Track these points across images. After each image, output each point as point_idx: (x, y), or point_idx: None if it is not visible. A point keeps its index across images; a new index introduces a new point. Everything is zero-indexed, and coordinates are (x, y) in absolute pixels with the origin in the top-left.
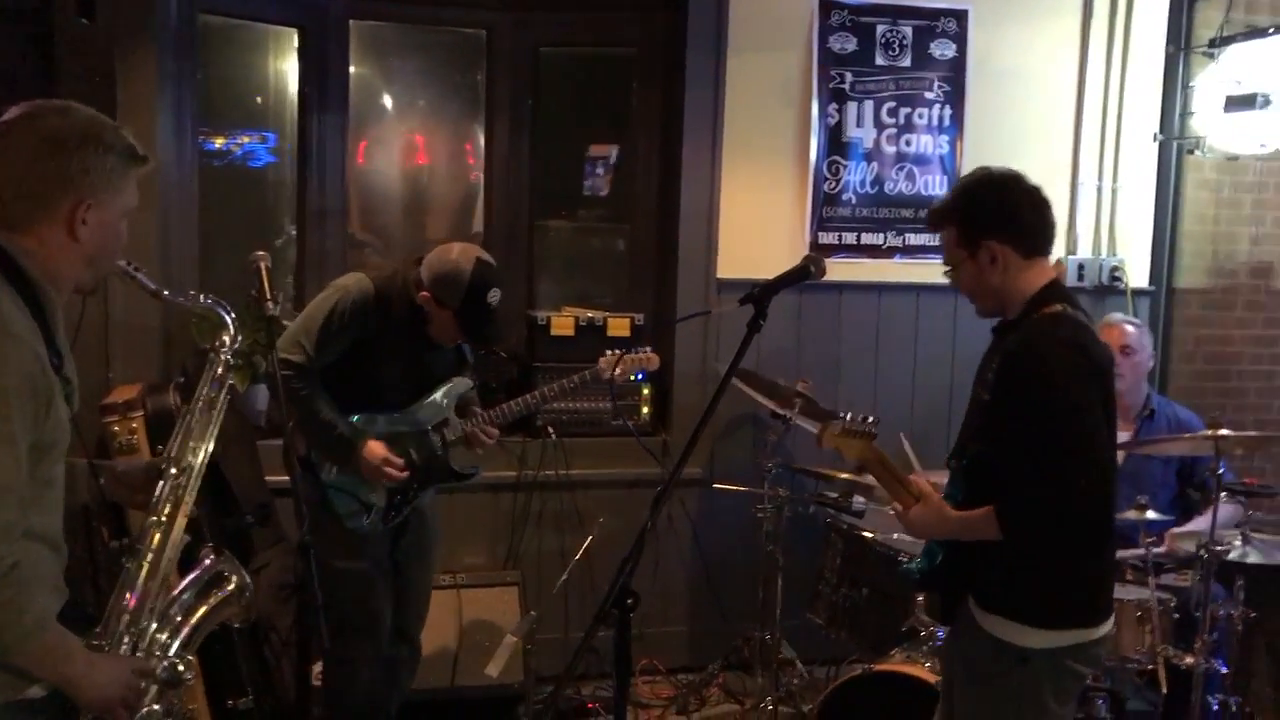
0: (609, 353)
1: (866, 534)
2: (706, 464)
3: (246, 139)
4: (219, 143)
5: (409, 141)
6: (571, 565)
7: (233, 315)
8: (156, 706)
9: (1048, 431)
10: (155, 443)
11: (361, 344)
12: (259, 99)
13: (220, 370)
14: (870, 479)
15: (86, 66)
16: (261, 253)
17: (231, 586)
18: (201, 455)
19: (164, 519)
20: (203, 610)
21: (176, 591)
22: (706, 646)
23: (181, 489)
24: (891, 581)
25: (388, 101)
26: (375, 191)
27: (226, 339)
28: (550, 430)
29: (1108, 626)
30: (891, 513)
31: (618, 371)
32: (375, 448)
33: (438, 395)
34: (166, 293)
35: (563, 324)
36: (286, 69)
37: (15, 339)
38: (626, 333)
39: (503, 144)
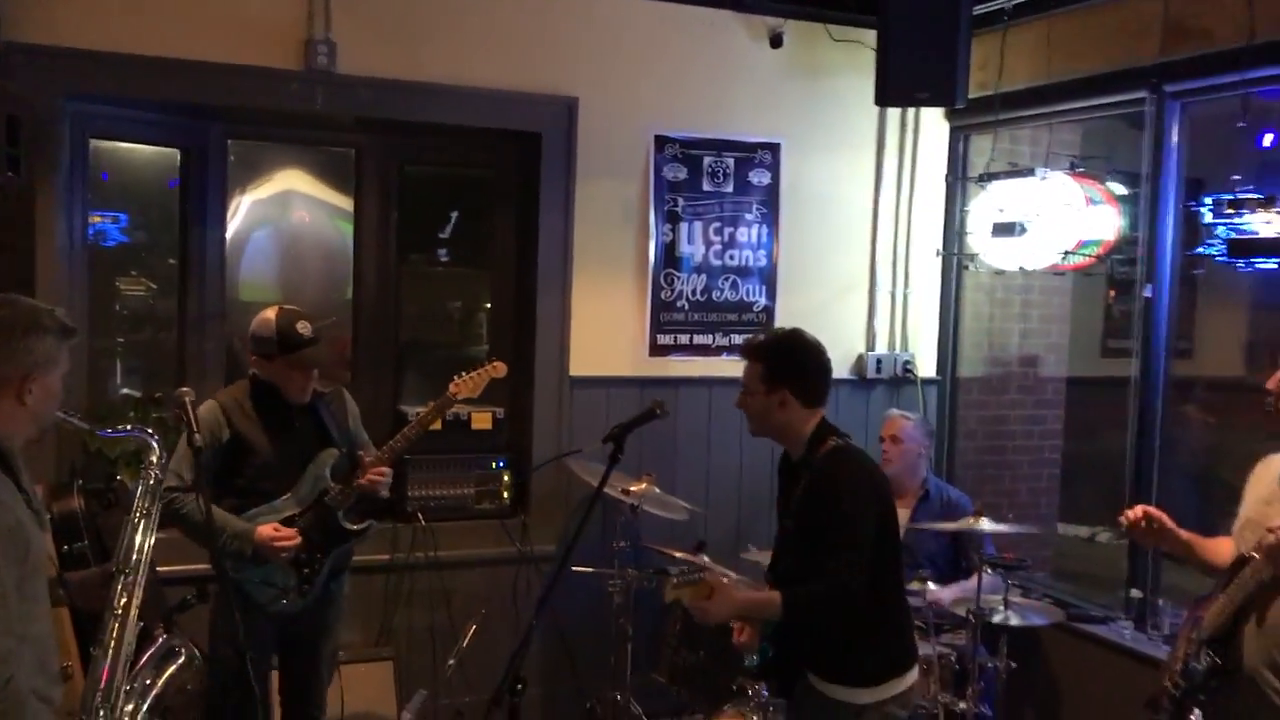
0: (456, 378)
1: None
2: (560, 541)
3: (98, 218)
4: None
5: (284, 246)
6: (458, 649)
7: (157, 438)
8: None
9: (826, 532)
10: (60, 544)
11: (233, 452)
12: (105, 177)
13: (152, 484)
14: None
15: (13, 212)
16: (187, 389)
17: (182, 658)
18: (145, 557)
19: (119, 611)
20: (161, 680)
21: (139, 667)
22: (561, 706)
23: (130, 586)
24: (725, 644)
25: (263, 212)
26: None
27: (154, 459)
28: (419, 515)
29: (914, 673)
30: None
31: (468, 391)
32: (263, 529)
33: (310, 470)
34: (100, 430)
35: None
36: (135, 151)
37: None
38: (489, 425)
39: (371, 252)
